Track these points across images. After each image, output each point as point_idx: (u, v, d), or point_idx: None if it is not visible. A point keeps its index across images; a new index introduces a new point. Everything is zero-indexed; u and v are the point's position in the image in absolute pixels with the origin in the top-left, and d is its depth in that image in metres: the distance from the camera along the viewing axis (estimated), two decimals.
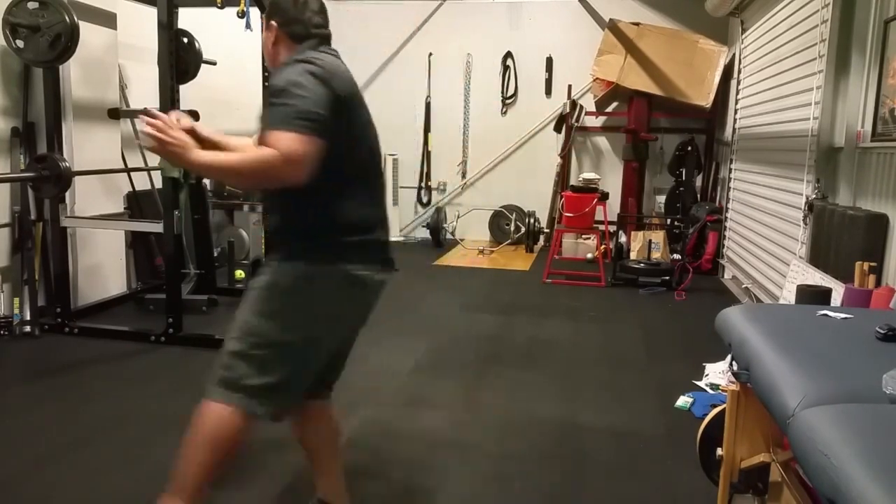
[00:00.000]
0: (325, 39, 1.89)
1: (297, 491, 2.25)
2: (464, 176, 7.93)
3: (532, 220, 7.20)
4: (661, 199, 7.29)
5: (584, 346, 3.97)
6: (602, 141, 7.59)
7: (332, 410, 1.99)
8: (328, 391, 1.97)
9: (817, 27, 3.92)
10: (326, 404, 1.98)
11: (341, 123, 1.67)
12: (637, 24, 6.65)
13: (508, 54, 7.63)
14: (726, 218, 6.04)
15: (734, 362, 1.65)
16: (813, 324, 1.70)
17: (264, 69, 3.74)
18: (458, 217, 7.60)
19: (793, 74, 4.40)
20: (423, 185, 7.97)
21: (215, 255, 5.06)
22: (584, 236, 6.75)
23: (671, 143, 7.18)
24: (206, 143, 1.77)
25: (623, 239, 6.25)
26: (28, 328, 3.84)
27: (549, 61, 7.55)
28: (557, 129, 7.37)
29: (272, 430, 1.98)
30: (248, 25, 3.67)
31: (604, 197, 5.67)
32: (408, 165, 7.90)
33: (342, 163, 1.70)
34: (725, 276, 6.02)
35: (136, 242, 4.86)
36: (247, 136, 2.03)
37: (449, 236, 7.51)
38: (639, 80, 6.50)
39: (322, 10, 1.91)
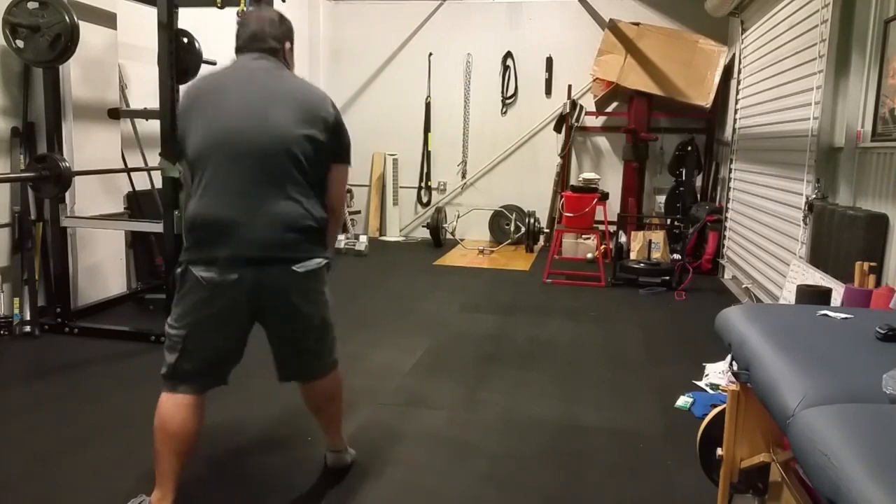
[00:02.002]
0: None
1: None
2: (464, 176, 7.93)
3: (532, 220, 7.20)
4: (661, 199, 7.29)
5: (584, 346, 3.97)
6: (602, 141, 7.59)
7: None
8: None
9: (817, 27, 3.92)
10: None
11: None
12: (637, 24, 6.65)
13: (508, 54, 7.63)
14: (726, 218, 6.04)
15: (734, 362, 1.65)
16: (813, 324, 1.70)
17: None
18: (458, 217, 7.60)
19: (793, 74, 4.40)
20: (423, 185, 7.97)
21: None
22: (584, 236, 6.75)
23: (671, 143, 7.18)
24: None
25: (623, 239, 6.25)
26: (28, 328, 3.84)
27: (549, 61, 7.55)
28: (557, 129, 7.37)
29: None
30: None
31: (604, 197, 5.67)
32: (408, 165, 7.90)
33: None
34: (725, 276, 6.02)
35: (136, 242, 4.86)
36: None
37: (449, 236, 7.52)
38: (639, 80, 6.50)
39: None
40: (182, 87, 2.06)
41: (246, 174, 1.89)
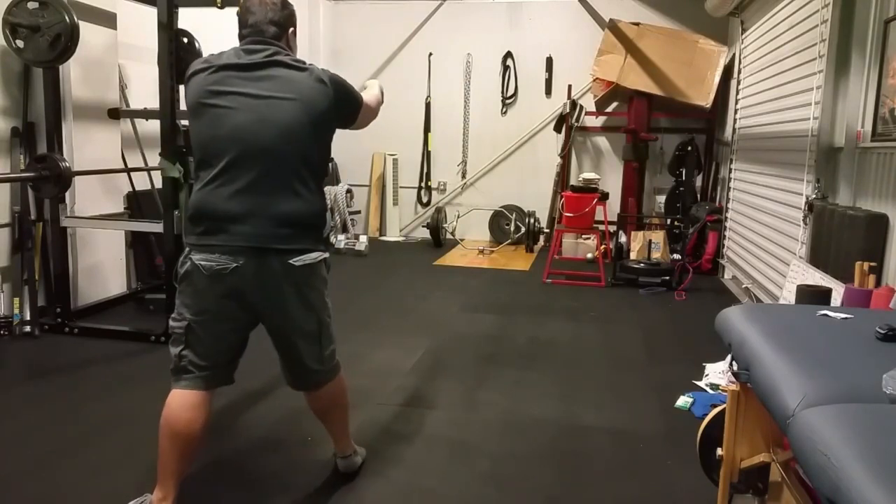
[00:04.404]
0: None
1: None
2: (464, 176, 7.93)
3: (532, 220, 7.20)
4: (661, 199, 7.29)
5: (584, 346, 3.97)
6: (602, 141, 7.59)
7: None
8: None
9: (817, 27, 3.92)
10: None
11: None
12: (637, 24, 6.65)
13: (508, 54, 7.62)
14: (726, 218, 6.04)
15: (734, 362, 1.65)
16: (813, 324, 1.70)
17: None
18: (458, 217, 7.60)
19: (793, 74, 4.40)
20: (423, 185, 7.97)
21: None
22: (584, 236, 6.75)
23: (671, 143, 7.17)
24: None
25: (623, 239, 6.25)
26: (28, 328, 3.84)
27: (549, 61, 7.55)
28: (557, 129, 7.37)
29: None
30: None
31: (604, 197, 5.67)
32: (408, 165, 7.90)
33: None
34: (725, 276, 6.02)
35: (136, 242, 4.86)
36: None
37: (449, 236, 7.52)
38: (639, 80, 6.49)
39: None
40: (190, 69, 2.02)
41: (254, 171, 1.91)
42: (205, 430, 2.00)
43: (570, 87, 7.33)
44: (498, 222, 7.60)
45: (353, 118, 2.16)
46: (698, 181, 7.10)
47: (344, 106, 2.08)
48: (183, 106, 3.97)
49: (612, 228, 6.55)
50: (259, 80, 1.94)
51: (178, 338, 1.98)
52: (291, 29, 2.10)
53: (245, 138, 1.90)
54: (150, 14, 3.75)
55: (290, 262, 1.94)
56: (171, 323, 2.00)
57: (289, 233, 1.94)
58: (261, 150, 1.91)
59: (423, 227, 7.69)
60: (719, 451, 1.84)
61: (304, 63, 2.02)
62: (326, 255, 2.07)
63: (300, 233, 1.97)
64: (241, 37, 2.04)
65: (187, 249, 1.96)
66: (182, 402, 1.97)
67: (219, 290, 1.92)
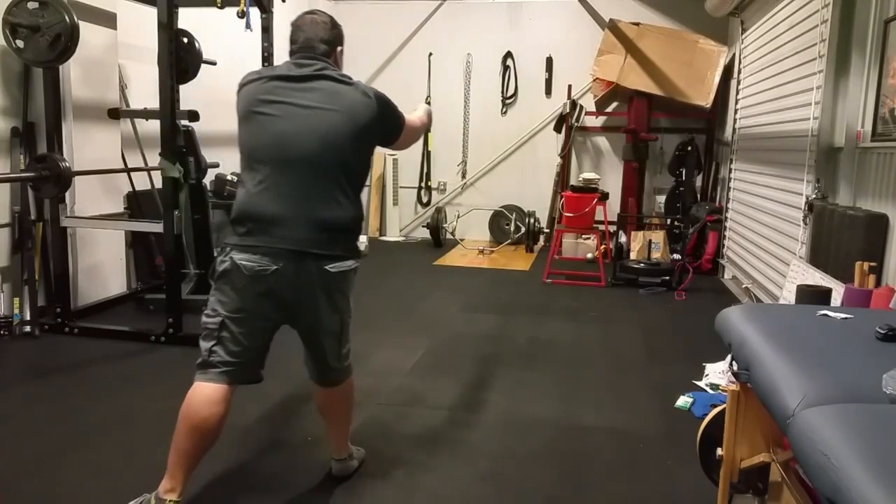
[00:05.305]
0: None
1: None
2: (464, 176, 7.93)
3: (532, 220, 7.20)
4: (661, 199, 7.29)
5: (584, 346, 3.97)
6: (602, 141, 7.59)
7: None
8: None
9: (817, 27, 3.92)
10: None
11: None
12: (637, 24, 6.65)
13: (508, 54, 7.63)
14: (726, 218, 6.04)
15: (734, 362, 1.65)
16: (813, 324, 1.70)
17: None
18: (458, 217, 7.60)
19: (793, 74, 4.40)
20: (423, 185, 7.98)
21: (215, 254, 5.05)
22: (584, 236, 6.75)
23: (671, 143, 7.18)
24: None
25: (623, 239, 6.25)
26: (28, 328, 3.84)
27: (549, 61, 7.55)
28: (557, 129, 7.37)
29: None
30: (248, 25, 3.67)
31: (604, 197, 5.67)
32: (408, 165, 7.90)
33: None
34: (725, 276, 6.02)
35: (136, 242, 4.86)
36: None
37: (449, 236, 7.52)
38: (639, 80, 6.49)
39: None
40: (243, 79, 2.13)
41: (296, 177, 1.97)
42: (222, 426, 2.02)
43: (570, 87, 7.33)
44: (498, 222, 7.60)
45: (394, 135, 2.21)
46: (698, 181, 7.10)
47: (386, 121, 2.13)
48: (183, 106, 4.00)
49: (612, 228, 6.55)
50: (306, 91, 2.01)
51: (211, 333, 2.01)
52: (340, 48, 2.19)
53: (287, 145, 1.97)
54: (150, 14, 3.75)
55: (327, 268, 1.99)
56: (205, 318, 2.03)
57: (327, 238, 1.99)
58: (302, 157, 1.97)
59: (423, 227, 7.69)
60: (719, 451, 1.84)
61: (350, 78, 2.09)
62: (358, 264, 2.12)
63: (337, 238, 2.03)
64: (292, 52, 2.13)
65: (228, 248, 2.01)
66: (203, 396, 1.99)
67: (257, 290, 1.97)
